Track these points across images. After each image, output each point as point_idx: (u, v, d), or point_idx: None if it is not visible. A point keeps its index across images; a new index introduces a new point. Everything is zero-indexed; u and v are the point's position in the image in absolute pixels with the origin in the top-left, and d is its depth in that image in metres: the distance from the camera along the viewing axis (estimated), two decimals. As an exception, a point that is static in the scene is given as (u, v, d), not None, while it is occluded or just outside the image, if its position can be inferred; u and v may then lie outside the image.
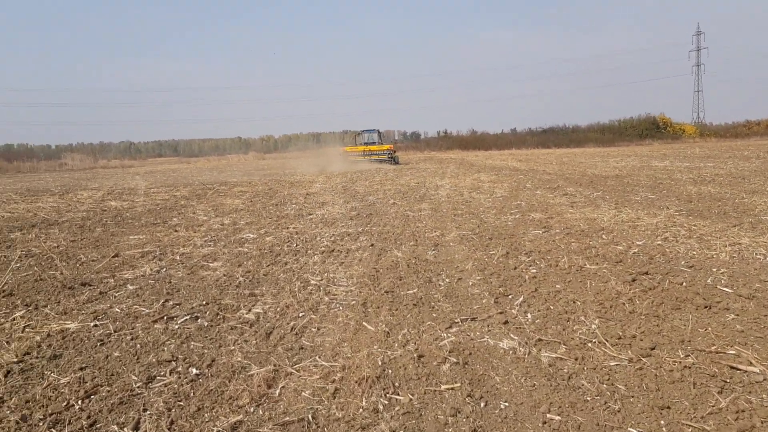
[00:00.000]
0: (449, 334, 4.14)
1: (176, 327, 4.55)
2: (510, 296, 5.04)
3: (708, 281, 5.16)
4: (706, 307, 4.44)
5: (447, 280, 5.69)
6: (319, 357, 3.84)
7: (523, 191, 14.25)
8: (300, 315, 4.80)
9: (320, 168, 32.67)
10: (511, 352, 3.76)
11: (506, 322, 4.32)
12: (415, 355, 3.74)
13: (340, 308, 4.96)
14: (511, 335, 4.06)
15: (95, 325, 4.67)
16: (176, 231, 9.81)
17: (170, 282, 6.08)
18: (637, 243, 7.03)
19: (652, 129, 74.37)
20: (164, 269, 6.75)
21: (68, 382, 3.50)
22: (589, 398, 3.09)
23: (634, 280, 5.25)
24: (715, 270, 5.55)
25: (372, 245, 7.82)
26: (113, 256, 7.62)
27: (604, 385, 3.22)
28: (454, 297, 5.11)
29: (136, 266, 6.96)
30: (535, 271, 5.85)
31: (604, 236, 7.58)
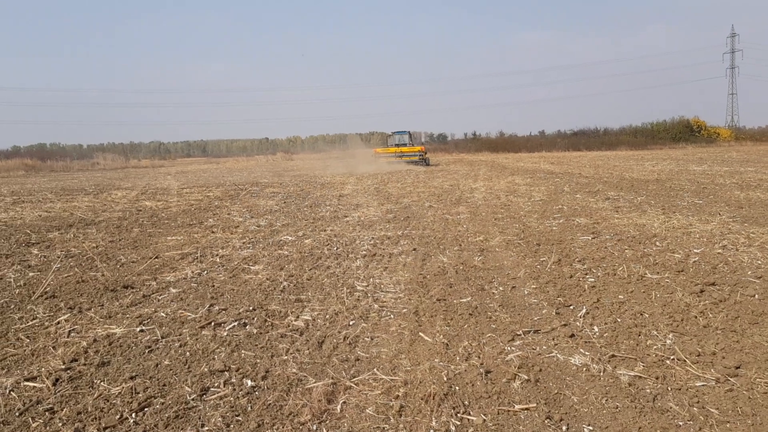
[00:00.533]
0: (513, 348, 3.92)
1: (225, 334, 4.39)
2: (571, 307, 4.79)
3: (783, 294, 4.86)
4: (787, 322, 4.15)
5: (501, 289, 5.46)
6: (378, 369, 3.64)
7: (562, 195, 13.93)
8: (351, 323, 4.62)
9: (349, 169, 32.61)
10: (584, 369, 3.53)
11: (572, 336, 4.09)
12: (482, 370, 3.52)
13: (392, 316, 4.77)
14: (581, 350, 3.82)
15: (141, 331, 4.53)
16: (213, 232, 9.71)
17: (213, 286, 5.94)
18: (695, 251, 6.72)
19: (686, 132, 72.96)
20: (205, 272, 6.62)
21: (120, 393, 3.35)
22: (680, 423, 2.85)
23: (702, 291, 4.97)
24: (788, 282, 5.23)
25: (415, 250, 7.62)
26: (153, 258, 7.52)
27: (695, 409, 2.98)
28: (511, 307, 4.88)
29: (177, 268, 6.85)
30: (593, 280, 5.59)
31: (657, 243, 7.28)
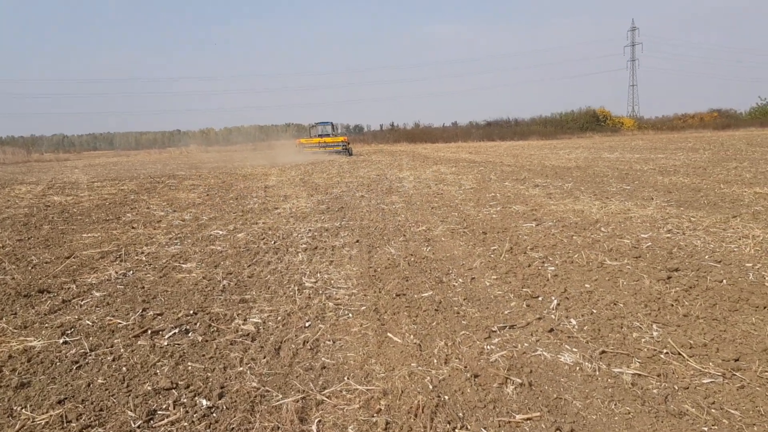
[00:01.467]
0: (493, 346, 3.60)
1: (165, 343, 3.85)
2: (540, 298, 4.54)
3: (750, 278, 4.77)
4: (765, 307, 4.03)
5: (460, 281, 5.15)
6: (349, 378, 3.24)
7: (491, 183, 13.87)
8: (306, 324, 4.19)
9: (270, 161, 31.91)
10: (577, 368, 3.25)
11: (552, 330, 3.81)
12: (468, 374, 3.18)
13: (351, 315, 4.37)
14: (567, 346, 3.55)
15: (65, 343, 3.94)
16: (134, 228, 8.97)
17: (143, 287, 5.34)
18: (643, 236, 6.66)
19: (593, 122, 75.70)
20: (131, 272, 5.99)
21: (48, 423, 2.80)
22: (705, 428, 2.59)
23: (669, 278, 4.83)
24: (749, 265, 5.18)
25: (358, 241, 7.23)
26: (69, 257, 6.79)
27: (714, 411, 2.74)
28: (477, 300, 4.57)
29: (98, 269, 6.17)
30: (553, 269, 5.37)
31: (603, 229, 7.19)
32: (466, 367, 3.27)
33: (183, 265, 6.24)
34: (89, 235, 8.37)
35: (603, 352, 3.42)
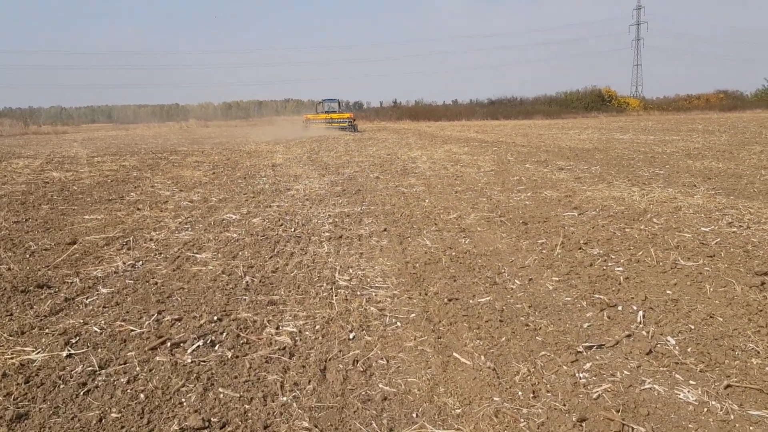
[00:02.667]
0: (587, 375, 3.00)
1: (188, 360, 3.25)
2: (618, 307, 3.93)
3: None
4: None
5: (517, 282, 4.54)
6: (418, 415, 2.64)
7: (511, 165, 13.23)
8: (350, 336, 3.59)
9: (273, 136, 31.27)
10: (704, 410, 2.65)
11: (650, 353, 3.21)
12: (573, 418, 2.58)
13: (399, 324, 3.77)
14: (678, 376, 2.95)
15: (69, 356, 3.34)
16: (139, 209, 8.34)
17: (155, 283, 4.73)
18: (704, 230, 6.05)
19: (598, 102, 74.70)
20: (141, 263, 5.39)
21: (52, 480, 2.19)
22: None
23: (762, 284, 4.22)
24: None
25: (386, 230, 6.62)
26: (70, 243, 6.17)
27: None
28: (545, 308, 3.97)
29: (104, 258, 5.56)
30: (621, 269, 4.76)
31: (655, 220, 6.58)
32: (565, 405, 2.67)
33: (197, 256, 5.63)
34: (92, 217, 7.75)
35: (728, 386, 2.81)
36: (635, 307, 3.89)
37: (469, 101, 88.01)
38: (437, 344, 3.42)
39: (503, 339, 3.46)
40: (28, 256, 5.68)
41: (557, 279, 4.56)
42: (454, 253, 5.46)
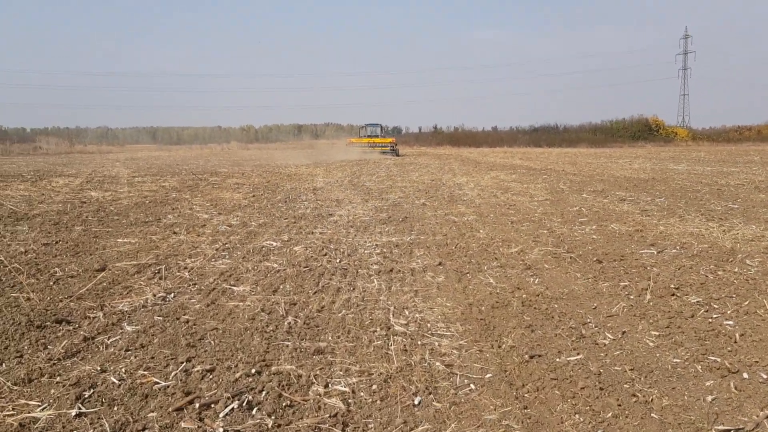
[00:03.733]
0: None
1: (220, 428, 2.64)
2: (743, 374, 3.21)
3: None
4: None
5: (609, 336, 3.84)
6: None
7: (565, 195, 12.47)
8: (415, 401, 2.95)
9: (313, 159, 31.13)
10: None
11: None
12: None
13: (473, 387, 3.11)
14: None
15: (79, 416, 2.76)
16: (175, 233, 7.87)
17: (186, 321, 4.17)
18: (811, 275, 5.24)
19: (645, 131, 73.13)
20: (173, 295, 4.85)
21: None
22: None
23: None
24: None
25: (441, 264, 5.98)
26: (98, 270, 5.68)
27: None
28: (651, 372, 3.27)
29: (133, 288, 5.04)
30: (730, 323, 4.02)
31: (748, 262, 5.80)
32: None
33: (234, 288, 5.07)
34: (125, 240, 7.29)
35: None
36: (765, 376, 3.16)
37: (509, 128, 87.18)
38: (525, 418, 2.75)
39: (609, 415, 2.77)
40: (51, 284, 5.19)
41: (656, 333, 3.84)
42: (524, 295, 4.78)
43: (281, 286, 5.15)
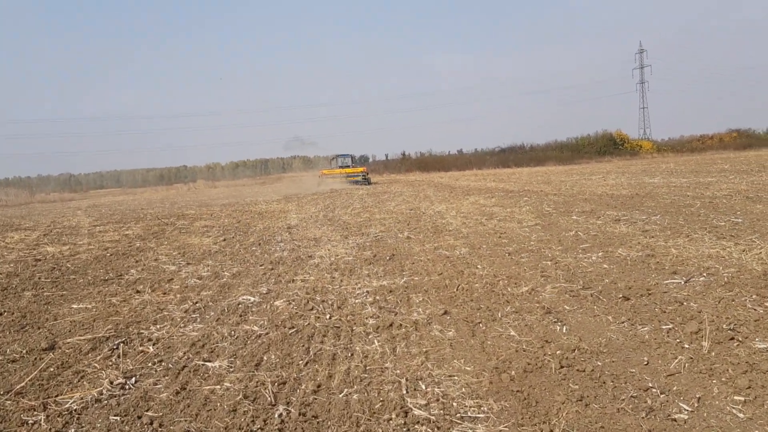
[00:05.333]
0: None
1: None
2: None
3: None
4: None
5: (684, 407, 3.08)
6: None
7: (556, 218, 11.82)
8: None
9: (283, 194, 30.35)
10: None
11: None
12: None
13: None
14: None
15: None
16: (138, 292, 6.98)
17: (150, 421, 3.31)
18: None
19: (610, 145, 73.93)
20: (134, 379, 3.98)
21: None
22: None
23: None
24: None
25: (446, 313, 5.21)
26: (46, 349, 4.78)
27: None
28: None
29: (86, 374, 4.16)
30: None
31: (791, 290, 5.11)
32: None
33: (209, 364, 4.22)
34: (81, 306, 6.38)
35: None
36: None
37: (474, 150, 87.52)
38: None
39: None
40: (-15, 374, 4.28)
41: (741, 399, 3.10)
42: (557, 351, 4.02)
43: (265, 357, 4.32)
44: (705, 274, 5.88)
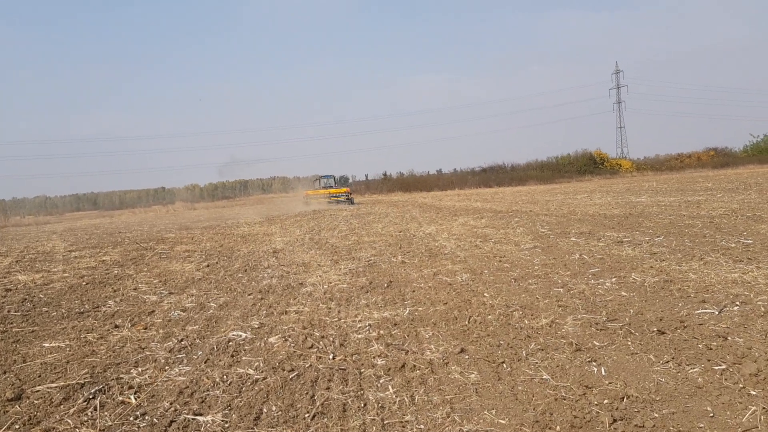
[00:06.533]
0: None
1: None
2: None
3: None
4: None
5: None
6: None
7: (554, 240, 11.39)
8: None
9: (265, 216, 29.74)
10: None
11: None
12: None
13: None
14: None
15: None
16: (117, 327, 6.38)
17: (134, 498, 2.72)
18: None
19: (590, 165, 74.31)
20: (113, 441, 3.38)
21: None
22: None
23: None
24: None
25: (463, 351, 4.69)
26: (12, 399, 4.18)
27: None
28: None
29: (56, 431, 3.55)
30: None
31: (841, 320, 4.67)
32: None
33: (200, 418, 3.66)
34: (53, 345, 5.77)
35: None
36: None
37: (454, 170, 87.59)
38: None
39: None
40: (-62, 435, 3.66)
41: None
42: (605, 401, 3.51)
43: (264, 409, 3.77)
44: (738, 303, 5.43)
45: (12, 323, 6.93)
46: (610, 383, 3.77)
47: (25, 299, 8.55)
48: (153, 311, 7.17)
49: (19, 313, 7.49)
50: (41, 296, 8.76)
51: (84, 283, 9.86)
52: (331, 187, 43.13)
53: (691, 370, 3.87)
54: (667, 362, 4.07)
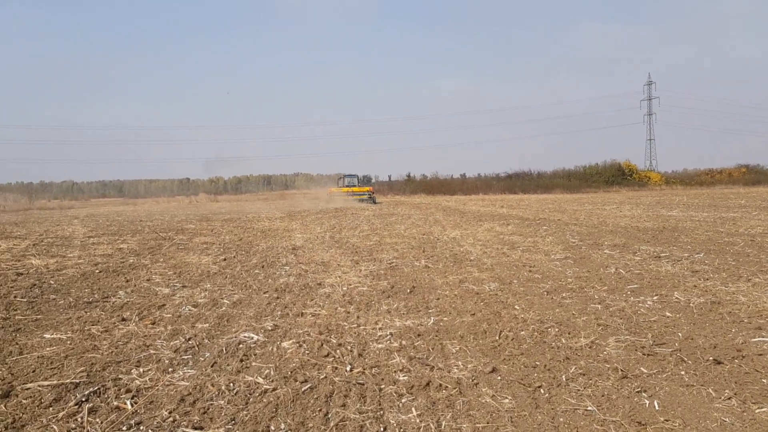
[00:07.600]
0: None
1: None
2: None
3: None
4: None
5: None
6: None
7: (586, 251, 10.86)
8: None
9: (286, 211, 29.50)
10: None
11: None
12: None
13: None
14: None
15: None
16: (124, 320, 6.02)
17: None
18: None
19: (618, 176, 73.15)
20: (100, 455, 2.98)
21: None
22: None
23: None
24: None
25: (494, 371, 4.24)
26: (2, 398, 3.79)
27: None
28: None
29: (39, 441, 3.17)
30: None
31: None
32: None
33: (203, 431, 3.23)
34: (54, 336, 5.42)
35: None
36: None
37: (478, 174, 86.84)
38: None
39: None
40: None
41: None
42: (665, 445, 3.02)
43: (272, 426, 3.35)
44: (799, 332, 4.90)
45: (17, 310, 6.61)
46: (666, 420, 3.29)
47: (35, 285, 8.26)
48: (163, 305, 6.81)
49: (25, 300, 7.18)
50: (51, 282, 8.46)
51: (97, 271, 9.56)
52: (354, 185, 45.10)
53: (758, 411, 3.38)
54: (729, 398, 3.57)
